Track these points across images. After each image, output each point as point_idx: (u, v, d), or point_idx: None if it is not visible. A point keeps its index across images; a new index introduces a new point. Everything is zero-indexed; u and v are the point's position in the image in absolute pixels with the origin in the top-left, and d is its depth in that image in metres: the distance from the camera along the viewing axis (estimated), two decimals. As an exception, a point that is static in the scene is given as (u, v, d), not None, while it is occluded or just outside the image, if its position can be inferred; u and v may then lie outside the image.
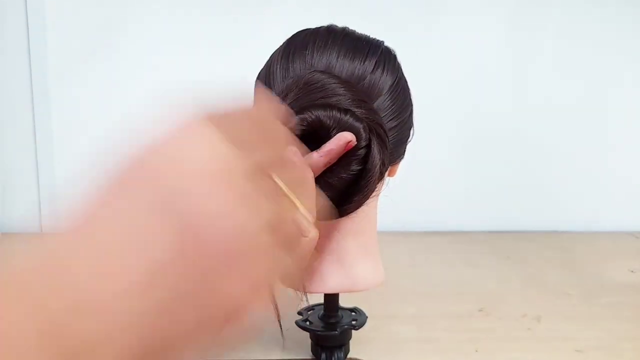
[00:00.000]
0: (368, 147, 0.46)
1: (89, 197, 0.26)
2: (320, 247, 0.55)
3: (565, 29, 1.14)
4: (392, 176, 0.56)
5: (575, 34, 1.14)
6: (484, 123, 1.17)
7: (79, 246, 0.25)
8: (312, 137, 0.45)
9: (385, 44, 0.55)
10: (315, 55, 0.51)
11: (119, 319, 0.25)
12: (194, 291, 0.26)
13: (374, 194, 0.50)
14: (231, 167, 0.26)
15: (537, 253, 1.07)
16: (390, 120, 0.52)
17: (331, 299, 0.66)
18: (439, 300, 0.87)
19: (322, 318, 0.67)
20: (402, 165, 0.57)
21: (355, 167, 0.46)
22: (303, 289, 0.51)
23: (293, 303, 0.57)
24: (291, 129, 0.36)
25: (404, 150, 0.56)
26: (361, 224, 0.55)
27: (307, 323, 0.66)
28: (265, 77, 0.53)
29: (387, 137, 0.49)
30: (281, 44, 0.54)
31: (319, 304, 0.68)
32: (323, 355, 0.66)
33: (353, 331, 0.67)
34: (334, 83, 0.48)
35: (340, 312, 0.68)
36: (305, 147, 0.41)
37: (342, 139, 0.45)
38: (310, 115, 0.45)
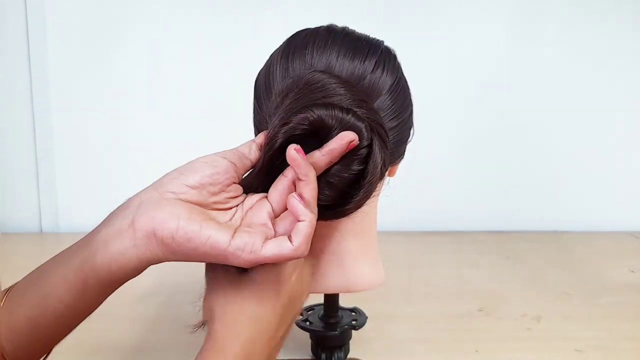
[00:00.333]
0: (369, 146, 0.46)
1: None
2: (321, 247, 0.55)
3: (565, 29, 1.14)
4: (392, 176, 0.56)
5: (575, 34, 1.14)
6: (484, 123, 1.17)
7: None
8: (313, 136, 0.45)
9: (385, 43, 0.55)
10: (315, 55, 0.51)
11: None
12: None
13: (374, 194, 0.50)
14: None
15: (537, 253, 1.07)
16: (391, 120, 0.52)
17: (331, 299, 0.66)
18: (439, 300, 0.87)
19: (322, 318, 0.67)
20: (402, 165, 0.57)
21: (356, 167, 0.46)
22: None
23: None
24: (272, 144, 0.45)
25: (404, 150, 0.56)
26: (361, 224, 0.55)
27: (307, 323, 0.66)
28: (265, 77, 0.53)
29: (388, 137, 0.49)
30: (281, 44, 0.54)
31: (319, 304, 0.68)
32: (323, 356, 0.66)
33: (353, 331, 0.67)
34: (334, 83, 0.48)
35: (340, 312, 0.68)
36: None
37: (345, 138, 0.45)
38: (312, 115, 0.45)
